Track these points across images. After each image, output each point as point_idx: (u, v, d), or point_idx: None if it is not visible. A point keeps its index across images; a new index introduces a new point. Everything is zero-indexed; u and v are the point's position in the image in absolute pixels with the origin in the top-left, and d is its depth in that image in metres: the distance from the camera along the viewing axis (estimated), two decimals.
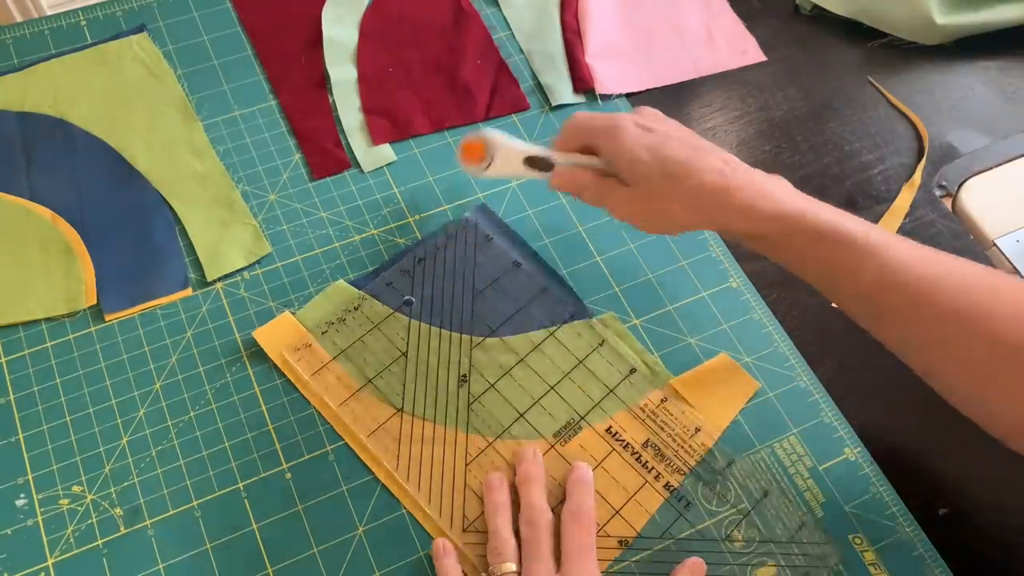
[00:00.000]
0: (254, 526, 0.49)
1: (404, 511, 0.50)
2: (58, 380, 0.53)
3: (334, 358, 0.54)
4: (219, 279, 0.57)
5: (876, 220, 0.62)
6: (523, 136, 0.64)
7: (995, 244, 0.62)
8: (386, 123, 0.64)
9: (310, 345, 0.54)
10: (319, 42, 0.67)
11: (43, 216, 0.58)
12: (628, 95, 0.67)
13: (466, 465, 0.51)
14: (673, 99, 0.68)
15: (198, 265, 0.57)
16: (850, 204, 0.63)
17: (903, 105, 0.68)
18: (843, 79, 0.70)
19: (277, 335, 0.54)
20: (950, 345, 0.43)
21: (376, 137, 0.63)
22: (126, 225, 0.59)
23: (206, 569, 0.48)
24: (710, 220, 0.49)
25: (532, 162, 0.53)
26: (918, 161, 0.65)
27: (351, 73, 0.66)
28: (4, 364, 0.54)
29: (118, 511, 0.49)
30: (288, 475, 0.50)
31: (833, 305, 0.48)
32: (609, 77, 0.67)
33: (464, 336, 0.55)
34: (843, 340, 0.57)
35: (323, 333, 0.55)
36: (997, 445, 0.45)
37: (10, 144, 0.61)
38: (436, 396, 0.53)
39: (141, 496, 0.50)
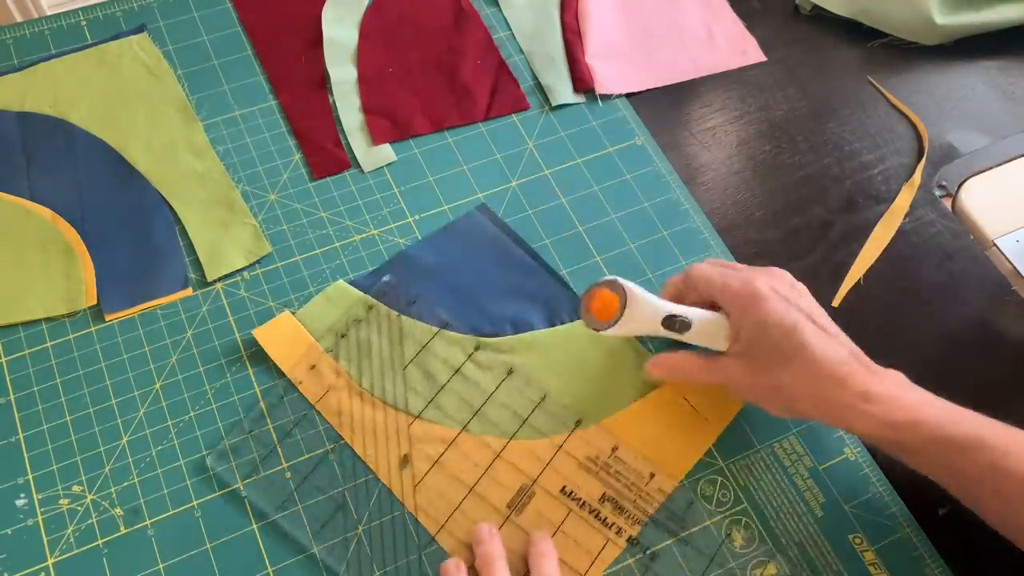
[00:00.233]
0: (254, 526, 0.49)
1: (404, 511, 0.50)
2: (58, 380, 0.53)
3: (334, 358, 0.54)
4: (219, 279, 0.57)
5: (876, 220, 0.62)
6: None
7: (995, 244, 0.62)
8: (386, 123, 0.64)
9: (310, 345, 0.54)
10: (319, 42, 0.67)
11: (43, 216, 0.58)
12: (628, 95, 0.67)
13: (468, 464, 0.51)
14: (673, 99, 0.68)
15: (198, 265, 0.57)
16: (850, 204, 0.63)
17: (903, 105, 0.68)
18: (843, 79, 0.70)
19: (277, 335, 0.54)
20: None
21: (376, 137, 0.63)
22: (126, 225, 0.59)
23: (206, 569, 0.48)
24: (837, 419, 0.46)
25: (670, 323, 0.49)
26: (918, 161, 0.65)
27: (351, 73, 0.66)
28: (4, 364, 0.54)
29: (118, 511, 0.49)
30: (288, 475, 0.50)
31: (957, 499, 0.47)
32: (609, 77, 0.67)
33: (467, 337, 0.55)
34: None
35: (324, 334, 0.55)
36: None
37: (10, 144, 0.61)
38: (435, 397, 0.53)
39: (141, 496, 0.50)
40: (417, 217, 0.60)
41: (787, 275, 0.50)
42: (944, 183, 0.65)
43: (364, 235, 0.59)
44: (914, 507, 0.51)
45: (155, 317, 0.56)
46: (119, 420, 0.52)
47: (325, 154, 0.62)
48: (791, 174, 0.65)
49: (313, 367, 0.53)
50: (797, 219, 0.62)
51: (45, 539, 0.48)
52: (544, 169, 0.63)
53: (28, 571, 0.47)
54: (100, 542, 0.48)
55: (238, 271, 0.57)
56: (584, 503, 0.50)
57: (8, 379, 0.53)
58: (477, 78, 0.66)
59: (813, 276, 0.60)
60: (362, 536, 0.49)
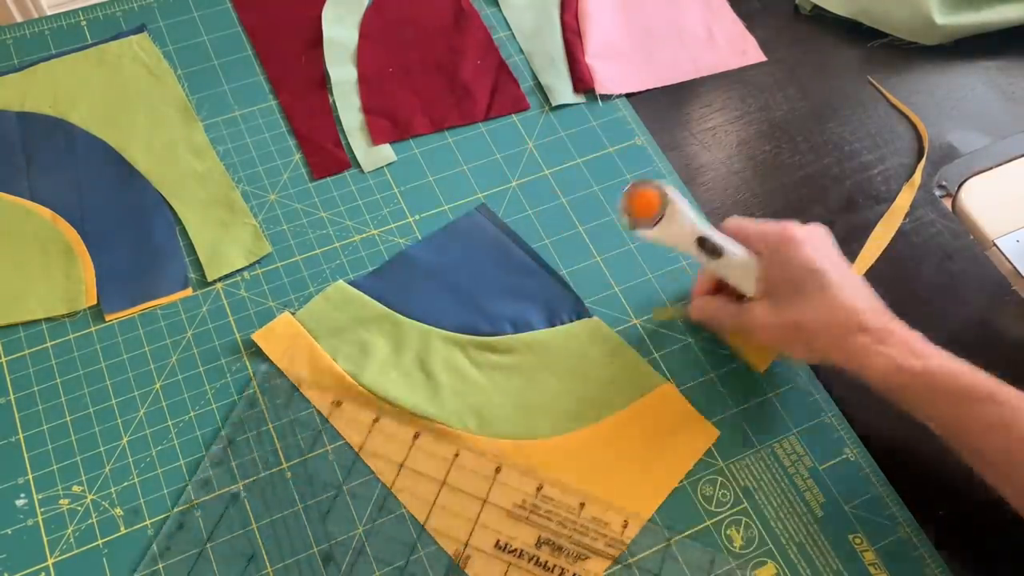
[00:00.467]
0: (254, 526, 0.49)
1: (404, 511, 0.50)
2: (58, 380, 0.53)
3: (334, 358, 0.54)
4: (219, 279, 0.57)
5: (876, 220, 0.62)
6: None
7: (995, 244, 0.62)
8: (386, 123, 0.64)
9: (310, 345, 0.54)
10: (319, 42, 0.67)
11: (43, 216, 0.58)
12: (628, 95, 0.67)
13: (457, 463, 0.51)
14: (673, 99, 0.68)
15: (198, 265, 0.57)
16: (850, 204, 0.63)
17: (903, 105, 0.68)
18: (843, 79, 0.70)
19: (277, 336, 0.54)
20: None
21: (376, 137, 0.63)
22: (126, 225, 0.59)
23: (206, 569, 0.48)
24: (850, 359, 0.47)
25: (703, 243, 0.50)
26: (918, 161, 0.65)
27: (351, 73, 0.66)
28: (4, 364, 0.54)
29: (118, 511, 0.49)
30: (288, 475, 0.50)
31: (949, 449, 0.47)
32: (609, 77, 0.67)
33: (467, 337, 0.55)
34: None
35: (324, 334, 0.55)
36: None
37: (10, 144, 0.61)
38: (435, 395, 0.53)
39: (141, 496, 0.50)
40: (417, 217, 0.60)
41: (824, 229, 0.52)
42: (944, 183, 0.65)
43: (364, 235, 0.59)
44: (914, 507, 0.51)
45: (155, 317, 0.56)
46: (119, 420, 0.52)
47: (325, 154, 0.62)
48: (791, 174, 0.65)
49: (313, 368, 0.53)
50: (797, 219, 0.62)
51: (45, 539, 0.48)
52: (544, 169, 0.63)
53: (28, 571, 0.47)
54: (100, 542, 0.48)
55: (238, 271, 0.57)
56: (521, 552, 0.48)
57: (8, 379, 0.53)
58: (477, 78, 0.66)
59: None
60: (362, 536, 0.49)
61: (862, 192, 0.64)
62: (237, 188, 0.60)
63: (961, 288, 0.60)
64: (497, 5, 0.71)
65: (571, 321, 0.56)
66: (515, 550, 0.48)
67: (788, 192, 0.64)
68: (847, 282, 0.48)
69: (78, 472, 0.50)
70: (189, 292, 0.56)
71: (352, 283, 0.57)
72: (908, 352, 0.46)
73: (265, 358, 0.54)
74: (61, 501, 0.49)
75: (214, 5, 0.69)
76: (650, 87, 0.68)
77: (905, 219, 0.62)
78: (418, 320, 0.55)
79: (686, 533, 0.50)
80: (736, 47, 0.71)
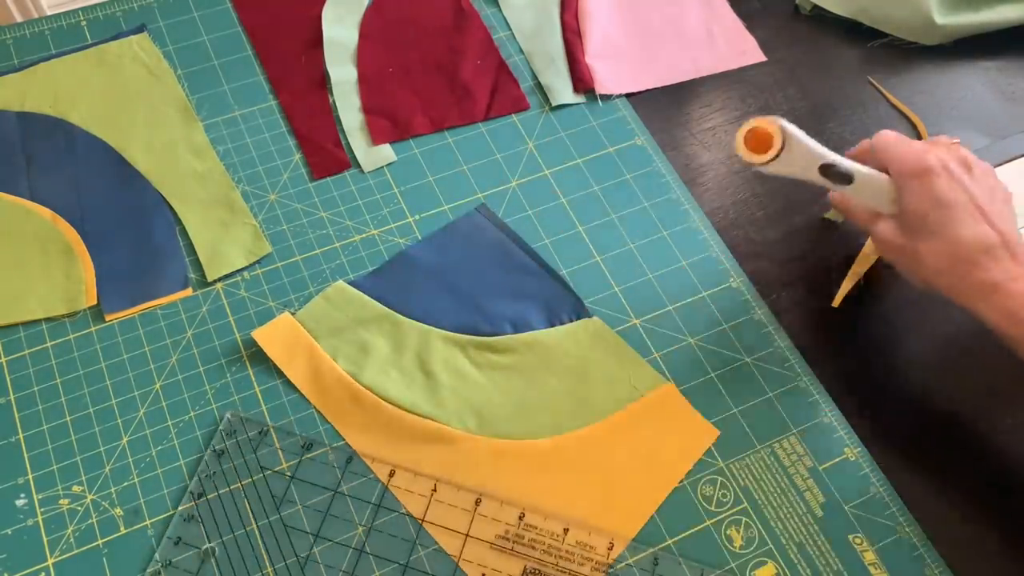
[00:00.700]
0: (254, 526, 0.49)
1: (404, 511, 0.50)
2: (58, 380, 0.53)
3: (334, 359, 0.54)
4: (219, 279, 0.57)
5: None
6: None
7: None
8: (386, 123, 0.64)
9: (310, 346, 0.54)
10: (319, 42, 0.67)
11: (43, 216, 0.58)
12: (628, 95, 0.67)
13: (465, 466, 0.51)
14: (673, 99, 0.68)
15: (198, 265, 0.57)
16: None
17: (903, 105, 0.68)
18: (843, 79, 0.70)
19: (277, 336, 0.54)
20: None
21: (376, 137, 0.63)
22: (126, 225, 0.59)
23: (206, 569, 0.48)
24: (971, 296, 0.47)
25: (826, 170, 0.49)
26: None
27: (351, 73, 0.66)
28: (4, 364, 0.54)
29: (118, 511, 0.49)
30: (288, 475, 0.50)
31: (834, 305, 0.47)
32: (609, 77, 0.67)
33: (467, 337, 0.55)
34: (843, 341, 0.57)
35: (323, 335, 0.55)
36: (997, 446, 0.44)
37: (10, 144, 0.61)
38: (435, 395, 0.53)
39: (141, 496, 0.50)
40: (417, 217, 0.60)
41: (966, 152, 0.51)
42: None
43: (364, 235, 0.59)
44: (914, 507, 0.51)
45: (155, 317, 0.56)
46: (119, 420, 0.52)
47: (325, 154, 0.62)
48: None
49: (313, 368, 0.53)
50: (797, 219, 0.62)
51: (45, 539, 0.48)
52: (544, 169, 0.63)
53: (28, 571, 0.47)
54: (100, 542, 0.48)
55: (238, 271, 0.57)
56: None
57: (8, 379, 0.53)
58: (477, 78, 0.66)
59: (813, 276, 0.60)
60: (362, 535, 0.49)
61: None
62: (237, 188, 0.60)
63: None
64: (497, 5, 0.71)
65: (571, 321, 0.56)
66: None
67: (788, 192, 0.64)
68: (973, 218, 0.47)
69: (78, 472, 0.50)
70: (189, 292, 0.56)
71: (352, 283, 0.57)
72: None
73: (265, 358, 0.54)
74: (61, 501, 0.49)
75: (214, 5, 0.69)
76: (650, 87, 0.68)
77: None
78: (418, 320, 0.55)
79: (686, 533, 0.50)
80: (736, 47, 0.71)
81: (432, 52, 0.68)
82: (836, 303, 0.58)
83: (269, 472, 0.50)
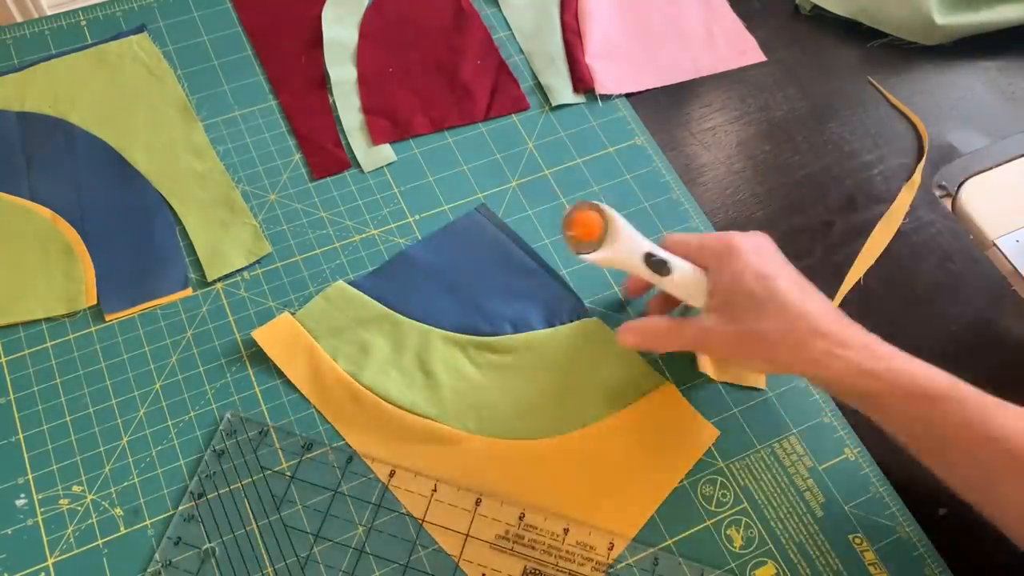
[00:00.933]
0: (254, 526, 0.49)
1: (404, 510, 0.50)
2: (58, 380, 0.53)
3: (334, 359, 0.54)
4: (219, 279, 0.57)
5: (876, 220, 0.62)
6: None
7: (995, 244, 0.62)
8: (386, 123, 0.64)
9: (310, 346, 0.54)
10: (319, 42, 0.67)
11: (43, 216, 0.58)
12: (628, 95, 0.67)
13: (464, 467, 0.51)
14: (673, 99, 0.68)
15: (198, 265, 0.57)
16: (850, 204, 0.63)
17: (903, 105, 0.68)
18: (843, 79, 0.70)
19: (276, 336, 0.54)
20: None
21: (376, 137, 0.63)
22: (126, 225, 0.59)
23: (206, 569, 0.48)
24: (810, 365, 0.46)
25: (650, 260, 0.48)
26: (918, 161, 0.65)
27: (351, 73, 0.66)
28: (4, 364, 0.54)
29: (118, 511, 0.49)
30: (288, 475, 0.50)
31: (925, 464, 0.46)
32: (609, 77, 0.67)
33: (467, 337, 0.55)
34: None
35: (323, 334, 0.55)
36: None
37: (10, 144, 0.61)
38: (435, 395, 0.53)
39: (141, 496, 0.50)
40: (417, 217, 0.60)
41: (767, 237, 0.51)
42: (944, 183, 0.65)
43: (364, 235, 0.59)
44: (914, 507, 0.51)
45: (155, 317, 0.56)
46: (119, 420, 0.52)
47: (325, 154, 0.62)
48: (791, 174, 0.65)
49: (313, 368, 0.53)
50: (797, 219, 0.62)
51: (45, 539, 0.48)
52: (544, 169, 0.63)
53: (28, 571, 0.47)
54: (100, 542, 0.48)
55: (238, 271, 0.57)
56: None
57: (8, 379, 0.53)
58: (477, 78, 0.66)
59: (813, 276, 0.60)
60: (362, 536, 0.49)
61: (862, 192, 0.64)
62: (237, 188, 0.60)
63: (961, 288, 0.60)
64: (497, 5, 0.71)
65: (571, 321, 0.56)
66: None
67: (788, 192, 0.64)
68: (798, 288, 0.47)
69: (78, 472, 0.50)
70: (189, 292, 0.56)
71: (352, 283, 0.57)
72: (868, 355, 0.45)
73: (265, 358, 0.54)
74: (61, 501, 0.49)
75: (214, 5, 0.69)
76: (650, 87, 0.68)
77: (905, 219, 0.62)
78: (418, 320, 0.55)
79: (686, 533, 0.50)
80: (736, 47, 0.71)
81: (432, 52, 0.68)
82: (836, 303, 0.59)
83: (269, 472, 0.50)
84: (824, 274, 0.60)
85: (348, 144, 0.63)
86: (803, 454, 0.53)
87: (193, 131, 0.63)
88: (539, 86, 0.67)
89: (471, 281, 0.57)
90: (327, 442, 0.52)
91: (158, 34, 0.67)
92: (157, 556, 0.48)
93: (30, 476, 0.50)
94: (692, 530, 0.50)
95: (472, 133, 0.64)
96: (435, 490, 0.50)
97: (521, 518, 0.49)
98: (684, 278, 0.49)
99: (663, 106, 0.67)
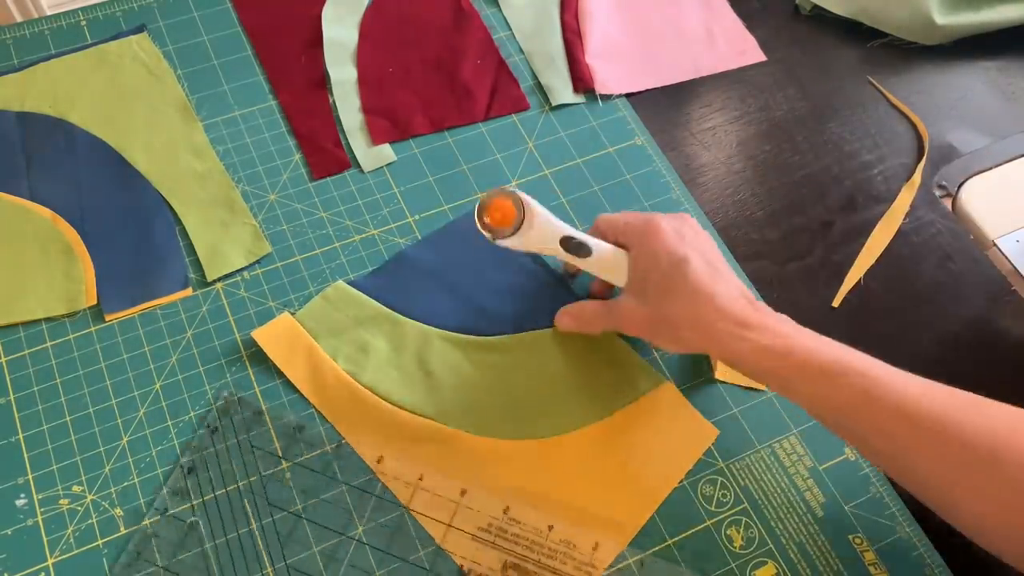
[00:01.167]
0: (253, 526, 0.49)
1: (404, 511, 0.50)
2: (58, 380, 0.53)
3: (334, 359, 0.54)
4: (219, 279, 0.57)
5: (876, 220, 0.62)
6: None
7: (995, 244, 0.62)
8: (386, 123, 0.64)
9: (309, 346, 0.54)
10: (319, 42, 0.67)
11: (43, 216, 0.58)
12: (628, 95, 0.67)
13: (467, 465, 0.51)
14: (673, 99, 0.68)
15: (198, 265, 0.57)
16: (850, 204, 0.63)
17: (903, 105, 0.68)
18: (843, 79, 0.70)
19: (276, 336, 0.54)
20: (976, 481, 0.41)
21: (376, 137, 0.63)
22: (126, 225, 0.59)
23: (206, 569, 0.48)
24: (716, 346, 0.47)
25: (567, 243, 0.49)
26: (918, 161, 0.65)
27: (351, 73, 0.66)
28: (4, 364, 0.54)
29: (118, 511, 0.49)
30: (288, 474, 0.50)
31: (791, 406, 0.46)
32: (609, 77, 0.67)
33: (466, 337, 0.55)
34: (843, 341, 0.57)
35: (323, 335, 0.55)
36: None
37: (10, 144, 0.61)
38: (435, 395, 0.53)
39: (141, 496, 0.50)
40: (417, 217, 0.60)
41: (692, 219, 0.52)
42: (944, 183, 0.65)
43: (364, 235, 0.59)
44: (914, 507, 0.51)
45: (155, 317, 0.56)
46: (119, 420, 0.52)
47: (325, 154, 0.62)
48: (791, 174, 0.65)
49: (312, 368, 0.53)
50: (797, 219, 0.63)
51: (45, 539, 0.48)
52: (544, 169, 0.63)
53: (28, 571, 0.47)
54: (100, 542, 0.48)
55: (238, 271, 0.57)
56: None
57: (8, 379, 0.53)
58: (477, 78, 0.66)
59: (813, 276, 0.60)
60: (362, 536, 0.49)
61: (862, 192, 0.64)
62: (237, 188, 0.60)
63: (961, 288, 0.60)
64: (497, 5, 0.71)
65: None
66: None
67: (788, 192, 0.64)
68: (710, 270, 0.48)
69: (78, 472, 0.50)
70: (189, 292, 0.57)
71: (352, 283, 0.57)
72: (770, 335, 0.45)
73: (265, 358, 0.54)
74: (61, 501, 0.49)
75: (214, 5, 0.69)
76: (650, 87, 0.68)
77: (905, 219, 0.62)
78: (417, 320, 0.55)
79: (686, 533, 0.50)
80: (736, 47, 0.71)
81: (432, 52, 0.68)
82: (836, 303, 0.59)
83: (261, 452, 0.50)
84: (824, 274, 0.60)
85: (348, 144, 0.63)
86: (803, 454, 0.53)
87: (193, 131, 0.63)
88: (539, 86, 0.67)
89: (471, 281, 0.57)
90: (327, 442, 0.51)
91: (158, 34, 0.67)
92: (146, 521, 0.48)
93: (30, 476, 0.50)
94: (692, 530, 0.50)
95: (472, 133, 0.64)
96: (421, 479, 0.50)
97: (506, 511, 0.49)
98: (603, 260, 0.50)
99: (663, 106, 0.67)
